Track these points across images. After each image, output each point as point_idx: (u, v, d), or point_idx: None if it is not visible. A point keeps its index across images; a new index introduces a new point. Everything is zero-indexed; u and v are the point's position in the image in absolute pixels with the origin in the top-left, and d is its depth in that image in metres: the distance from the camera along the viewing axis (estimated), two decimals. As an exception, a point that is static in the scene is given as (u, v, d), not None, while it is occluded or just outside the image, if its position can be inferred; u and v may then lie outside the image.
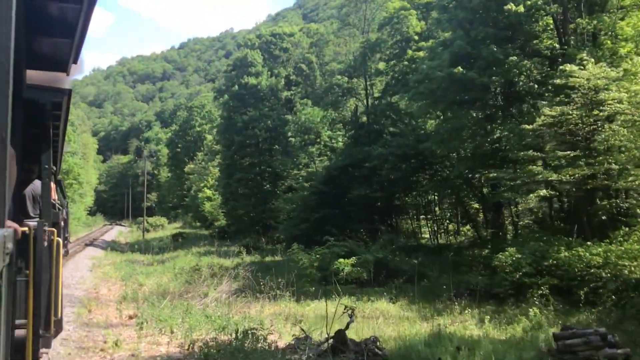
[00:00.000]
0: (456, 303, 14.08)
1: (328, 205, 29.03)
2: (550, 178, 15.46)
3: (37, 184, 6.05)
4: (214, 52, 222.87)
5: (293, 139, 35.45)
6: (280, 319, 12.87)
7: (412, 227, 34.88)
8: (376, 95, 33.65)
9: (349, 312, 8.91)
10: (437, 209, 34.34)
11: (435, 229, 33.56)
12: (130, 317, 12.13)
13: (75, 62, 3.89)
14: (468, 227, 33.59)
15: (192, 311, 11.94)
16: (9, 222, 1.90)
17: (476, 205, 31.88)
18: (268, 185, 43.55)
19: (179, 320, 10.47)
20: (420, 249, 24.84)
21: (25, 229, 3.86)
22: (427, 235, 33.51)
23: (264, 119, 41.95)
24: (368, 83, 33.21)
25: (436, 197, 33.03)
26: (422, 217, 33.86)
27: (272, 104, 43.24)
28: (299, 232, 29.02)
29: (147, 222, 60.72)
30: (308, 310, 13.69)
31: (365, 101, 33.54)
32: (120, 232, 64.60)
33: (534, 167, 16.69)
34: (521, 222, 27.97)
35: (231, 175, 44.00)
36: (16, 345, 3.54)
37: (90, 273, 22.73)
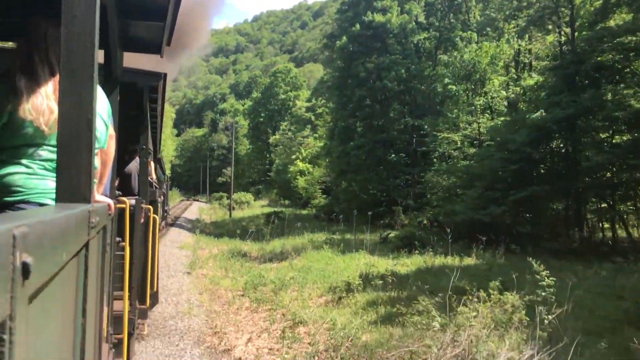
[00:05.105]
0: None
1: (534, 178, 18.78)
2: None
3: None
4: (289, 24, 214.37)
5: (453, 87, 25.15)
6: None
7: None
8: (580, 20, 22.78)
9: None
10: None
11: None
12: None
13: (168, 44, 3.83)
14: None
15: None
16: (101, 198, 2.21)
17: None
18: (393, 155, 33.52)
19: None
20: None
21: (122, 205, 3.98)
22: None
23: (395, 67, 31.78)
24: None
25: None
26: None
27: (404, 49, 32.95)
28: (487, 218, 18.95)
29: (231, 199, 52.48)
30: None
31: (569, 27, 22.75)
32: (201, 209, 56.88)
33: None
34: None
35: (347, 141, 34.31)
36: (115, 316, 3.54)
37: (189, 280, 13.77)
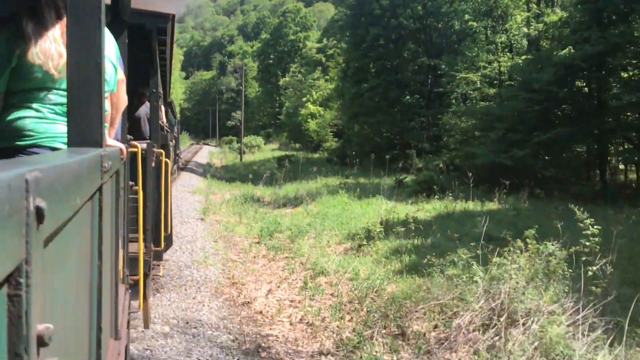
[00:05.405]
0: None
1: (557, 119, 17.97)
2: None
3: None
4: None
5: (474, 24, 23.98)
6: None
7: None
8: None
9: None
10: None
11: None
12: None
13: None
14: None
15: None
16: (113, 142, 2.20)
17: None
18: (407, 96, 32.51)
19: None
20: None
21: (134, 149, 4.03)
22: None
23: (410, 4, 30.37)
24: None
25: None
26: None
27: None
28: (509, 161, 18.25)
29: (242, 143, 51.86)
30: None
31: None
32: (211, 153, 56.44)
33: None
34: None
35: (360, 83, 33.26)
36: (130, 257, 3.56)
37: (203, 226, 13.39)
